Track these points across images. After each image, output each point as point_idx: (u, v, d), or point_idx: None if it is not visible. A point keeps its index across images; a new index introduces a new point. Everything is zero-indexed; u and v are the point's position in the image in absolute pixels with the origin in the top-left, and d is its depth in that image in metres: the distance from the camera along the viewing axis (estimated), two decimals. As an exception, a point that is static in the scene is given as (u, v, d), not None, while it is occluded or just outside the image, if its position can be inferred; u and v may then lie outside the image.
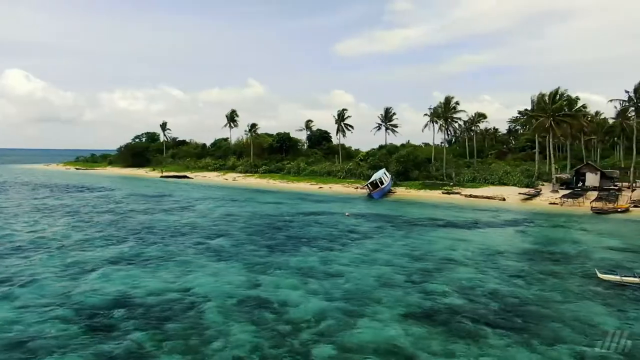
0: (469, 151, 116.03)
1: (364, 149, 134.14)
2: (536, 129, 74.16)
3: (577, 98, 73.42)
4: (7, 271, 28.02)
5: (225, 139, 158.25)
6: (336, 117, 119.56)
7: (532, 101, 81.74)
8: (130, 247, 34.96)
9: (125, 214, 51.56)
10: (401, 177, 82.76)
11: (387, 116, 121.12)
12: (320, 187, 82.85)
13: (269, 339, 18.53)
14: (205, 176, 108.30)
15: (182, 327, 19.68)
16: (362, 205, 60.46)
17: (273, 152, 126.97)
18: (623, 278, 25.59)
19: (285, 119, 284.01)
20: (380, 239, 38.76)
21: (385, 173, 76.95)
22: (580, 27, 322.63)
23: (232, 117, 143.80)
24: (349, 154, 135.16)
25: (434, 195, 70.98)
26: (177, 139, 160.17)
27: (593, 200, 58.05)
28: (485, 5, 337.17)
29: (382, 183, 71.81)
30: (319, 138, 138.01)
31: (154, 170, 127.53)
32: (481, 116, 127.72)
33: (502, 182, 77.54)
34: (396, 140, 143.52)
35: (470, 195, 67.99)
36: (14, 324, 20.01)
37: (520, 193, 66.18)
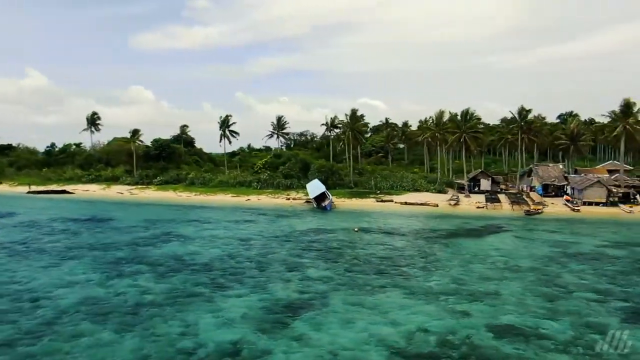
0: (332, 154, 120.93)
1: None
2: (452, 143, 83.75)
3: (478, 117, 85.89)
4: None
5: (79, 144, 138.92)
6: (220, 123, 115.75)
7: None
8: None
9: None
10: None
11: (279, 124, 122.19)
12: (249, 200, 79.26)
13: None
14: (87, 190, 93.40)
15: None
16: (335, 219, 60.09)
17: (149, 160, 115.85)
18: None
19: (76, 115, 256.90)
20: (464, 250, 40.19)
21: (319, 184, 77.65)
22: (364, 40, 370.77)
23: (93, 120, 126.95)
24: (212, 159, 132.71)
25: (370, 203, 74.39)
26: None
27: (513, 204, 68.49)
28: (283, 11, 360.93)
29: (328, 195, 72.43)
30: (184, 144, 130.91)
31: (15, 184, 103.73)
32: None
33: (415, 189, 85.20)
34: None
35: (405, 203, 73.25)
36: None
37: (449, 200, 73.81)
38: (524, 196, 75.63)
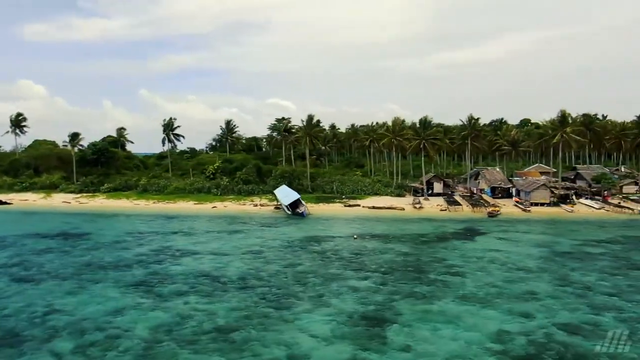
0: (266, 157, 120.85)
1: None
2: (413, 149, 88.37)
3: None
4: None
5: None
6: (164, 126, 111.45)
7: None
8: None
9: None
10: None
11: (229, 128, 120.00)
12: (215, 207, 77.41)
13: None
14: (25, 199, 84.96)
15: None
16: (320, 226, 61.00)
17: (85, 165, 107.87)
18: None
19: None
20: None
21: (290, 190, 78.03)
22: (273, 40, 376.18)
23: (18, 122, 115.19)
24: (142, 163, 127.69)
25: (339, 208, 76.33)
26: None
27: (473, 206, 74.35)
28: (187, 7, 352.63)
29: (301, 201, 73.05)
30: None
31: None
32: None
33: (375, 193, 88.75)
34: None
35: (373, 207, 76.21)
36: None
37: (414, 203, 77.98)
38: (480, 199, 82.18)
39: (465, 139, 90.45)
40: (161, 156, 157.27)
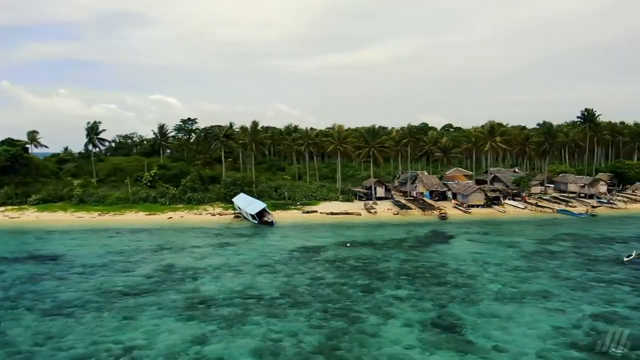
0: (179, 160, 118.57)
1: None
2: (363, 157, 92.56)
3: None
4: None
5: None
6: (87, 130, 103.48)
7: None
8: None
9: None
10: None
11: (162, 132, 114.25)
12: (171, 218, 74.16)
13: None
14: None
15: None
16: (299, 234, 62.11)
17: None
18: None
19: None
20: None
21: (252, 198, 77.49)
22: (157, 34, 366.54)
23: None
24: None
25: (298, 215, 77.66)
26: None
27: (424, 209, 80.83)
28: None
29: (267, 210, 73.03)
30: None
31: None
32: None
33: (324, 198, 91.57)
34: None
35: (331, 213, 79.09)
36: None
37: (369, 208, 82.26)
38: (425, 202, 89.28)
39: (405, 146, 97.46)
40: (62, 159, 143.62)
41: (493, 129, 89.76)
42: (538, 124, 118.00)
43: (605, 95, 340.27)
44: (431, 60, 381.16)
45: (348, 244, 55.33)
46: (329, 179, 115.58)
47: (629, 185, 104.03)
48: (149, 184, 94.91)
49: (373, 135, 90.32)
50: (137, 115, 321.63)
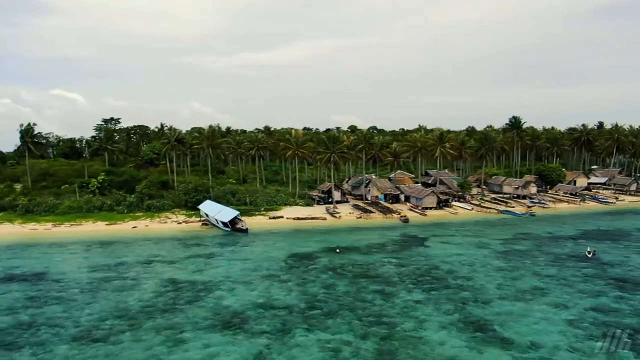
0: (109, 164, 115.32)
1: None
2: (324, 162, 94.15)
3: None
4: None
5: None
6: (22, 132, 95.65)
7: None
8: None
9: None
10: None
11: (108, 136, 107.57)
12: (135, 227, 70.81)
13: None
14: None
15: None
16: (279, 241, 62.44)
17: None
18: None
19: None
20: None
21: (221, 205, 76.15)
22: (59, 23, 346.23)
23: None
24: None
25: (265, 221, 77.90)
26: None
27: (385, 213, 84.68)
28: None
29: (239, 217, 72.28)
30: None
31: None
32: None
33: (285, 203, 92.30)
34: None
35: (297, 218, 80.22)
36: None
37: (333, 212, 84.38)
38: (383, 206, 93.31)
39: (360, 152, 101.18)
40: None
41: (442, 136, 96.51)
42: (468, 128, 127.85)
43: (525, 99, 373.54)
44: (348, 60, 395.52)
45: (337, 250, 57.04)
46: (274, 182, 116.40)
47: (549, 187, 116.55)
48: (97, 190, 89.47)
49: (333, 141, 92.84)
50: (34, 111, 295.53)
